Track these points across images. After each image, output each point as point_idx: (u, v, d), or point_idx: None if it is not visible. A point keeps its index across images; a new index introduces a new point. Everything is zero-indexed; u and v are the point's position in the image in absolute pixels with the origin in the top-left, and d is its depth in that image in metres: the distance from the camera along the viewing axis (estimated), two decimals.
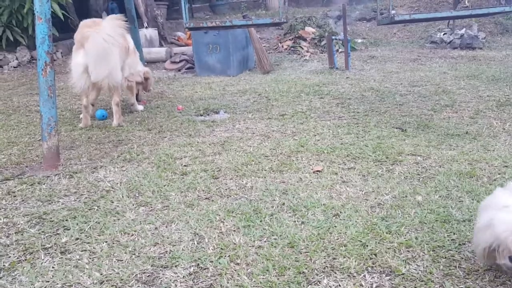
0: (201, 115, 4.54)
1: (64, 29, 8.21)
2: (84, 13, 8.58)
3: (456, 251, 2.00)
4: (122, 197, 2.67)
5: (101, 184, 2.88)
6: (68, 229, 2.31)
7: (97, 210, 2.52)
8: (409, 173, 2.85)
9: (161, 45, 8.58)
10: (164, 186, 2.81)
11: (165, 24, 9.20)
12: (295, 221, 2.30)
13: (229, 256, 2.02)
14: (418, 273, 1.86)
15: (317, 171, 2.93)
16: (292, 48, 8.38)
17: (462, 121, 3.91)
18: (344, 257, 1.98)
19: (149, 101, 5.21)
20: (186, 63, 7.36)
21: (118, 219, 2.42)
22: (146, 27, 8.56)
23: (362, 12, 10.91)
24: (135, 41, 5.55)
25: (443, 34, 8.68)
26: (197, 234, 2.23)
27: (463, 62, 6.86)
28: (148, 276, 1.93)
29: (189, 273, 1.93)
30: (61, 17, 7.38)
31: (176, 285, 1.86)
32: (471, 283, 1.79)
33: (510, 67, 6.29)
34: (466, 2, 10.50)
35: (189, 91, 5.66)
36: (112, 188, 2.82)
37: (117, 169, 3.12)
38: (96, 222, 2.38)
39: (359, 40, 9.17)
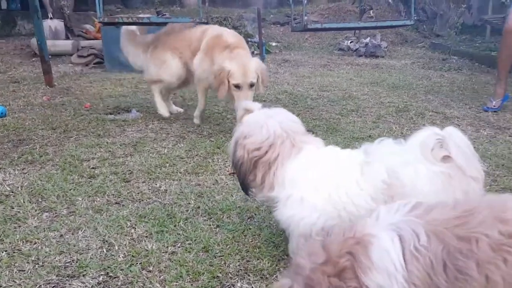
0: (111, 114, 4.34)
1: None
2: None
3: None
4: (24, 202, 2.48)
5: (0, 188, 2.65)
6: None
7: None
8: None
9: (67, 38, 8.09)
10: (70, 190, 2.65)
11: (72, 16, 8.68)
12: (210, 225, 2.30)
13: (140, 263, 1.96)
14: None
15: (233, 173, 2.94)
16: None
17: (365, 125, 4.17)
18: (258, 259, 2.01)
19: (53, 97, 4.88)
20: (94, 58, 7.02)
21: (19, 226, 2.24)
22: (51, 18, 8.02)
23: (277, 16, 11.19)
24: (38, 33, 5.19)
25: (350, 42, 9.19)
26: (106, 241, 2.13)
27: (367, 70, 7.31)
28: (53, 286, 1.81)
29: (98, 283, 1.84)
30: None
31: None
32: None
33: (408, 75, 6.82)
34: (371, 13, 11.23)
35: (98, 87, 5.40)
36: (12, 192, 2.60)
37: (17, 172, 2.89)
38: None
39: (274, 44, 9.39)
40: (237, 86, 3.56)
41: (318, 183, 1.81)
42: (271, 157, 1.86)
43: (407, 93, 5.52)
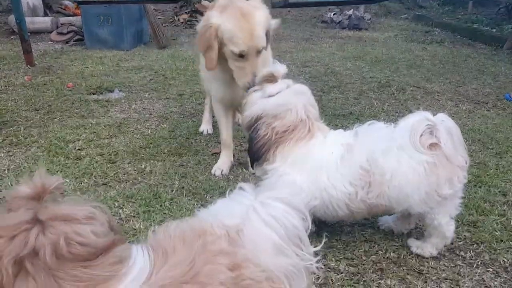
0: (94, 94, 4.34)
1: None
2: None
3: (338, 226, 2.24)
4: (11, 185, 2.52)
5: None
6: None
7: None
8: None
9: (46, 14, 7.92)
10: (57, 172, 2.70)
11: None
12: (194, 204, 2.39)
13: (129, 242, 2.04)
14: None
15: (216, 153, 3.02)
16: (189, 22, 8.27)
17: (347, 101, 4.25)
18: None
19: (34, 77, 4.84)
20: (74, 35, 6.91)
21: None
22: None
23: None
24: (16, 12, 5.10)
25: (333, 14, 9.16)
26: None
27: (350, 43, 7.33)
28: None
29: None
30: None
31: None
32: (349, 254, 2.04)
33: (391, 48, 6.87)
34: None
35: (80, 66, 5.36)
36: None
37: (3, 154, 2.92)
38: None
39: None
40: (241, 55, 2.34)
41: (310, 165, 1.91)
42: (290, 137, 1.94)
43: (390, 68, 5.59)
